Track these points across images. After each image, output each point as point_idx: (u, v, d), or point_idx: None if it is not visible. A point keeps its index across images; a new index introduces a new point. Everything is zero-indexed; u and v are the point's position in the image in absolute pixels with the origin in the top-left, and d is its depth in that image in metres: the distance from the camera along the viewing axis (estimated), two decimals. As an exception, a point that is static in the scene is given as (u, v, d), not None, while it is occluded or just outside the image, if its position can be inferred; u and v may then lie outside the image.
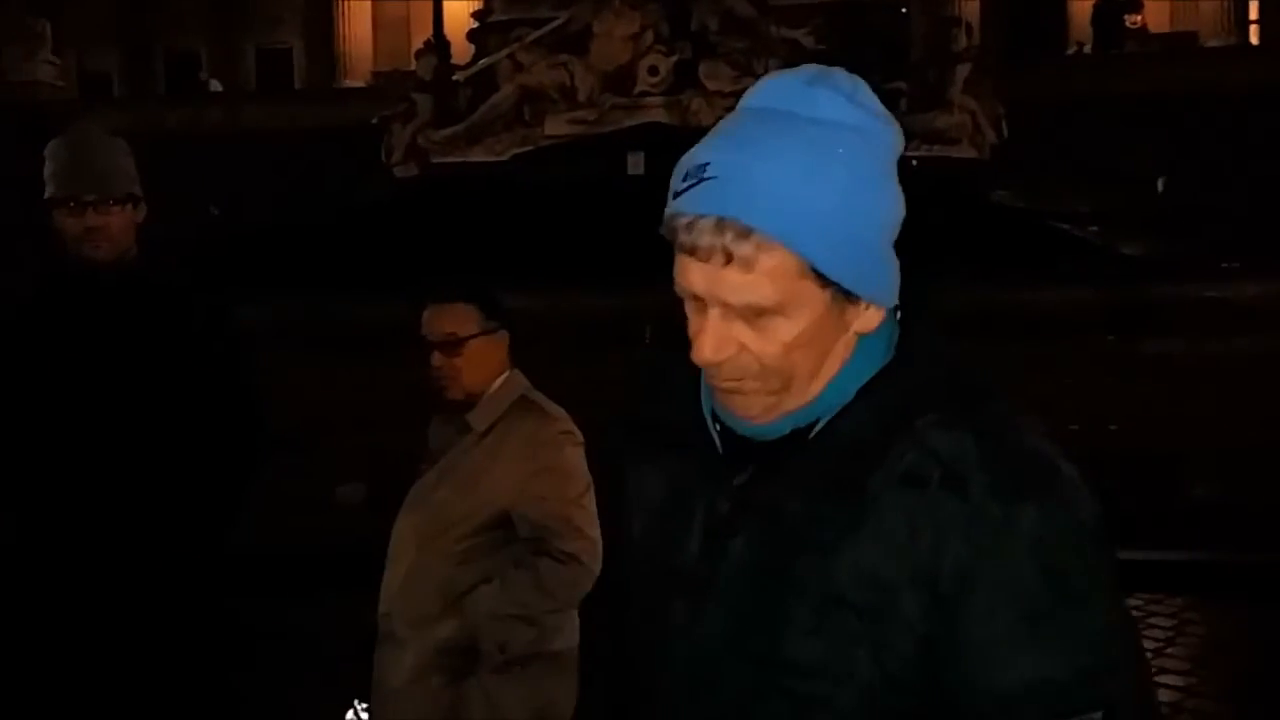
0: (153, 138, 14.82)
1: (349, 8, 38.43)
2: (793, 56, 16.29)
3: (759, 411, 1.38)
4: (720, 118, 1.38)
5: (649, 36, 17.13)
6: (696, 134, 1.37)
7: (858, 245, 1.32)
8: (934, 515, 1.30)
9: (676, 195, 1.32)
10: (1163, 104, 23.05)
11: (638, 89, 16.97)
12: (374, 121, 19.26)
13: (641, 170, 14.36)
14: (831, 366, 1.38)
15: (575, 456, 3.15)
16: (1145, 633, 5.32)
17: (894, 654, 1.32)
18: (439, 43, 19.45)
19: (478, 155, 17.54)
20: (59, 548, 3.04)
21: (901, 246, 1.39)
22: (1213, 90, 23.64)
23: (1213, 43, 30.48)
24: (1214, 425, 7.88)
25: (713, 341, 1.33)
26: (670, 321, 1.45)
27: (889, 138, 1.36)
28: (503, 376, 3.18)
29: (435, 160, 17.85)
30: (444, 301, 3.13)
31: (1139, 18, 30.32)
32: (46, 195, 3.11)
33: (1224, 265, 13.12)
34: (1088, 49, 30.38)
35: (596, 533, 3.06)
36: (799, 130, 1.31)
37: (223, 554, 3.22)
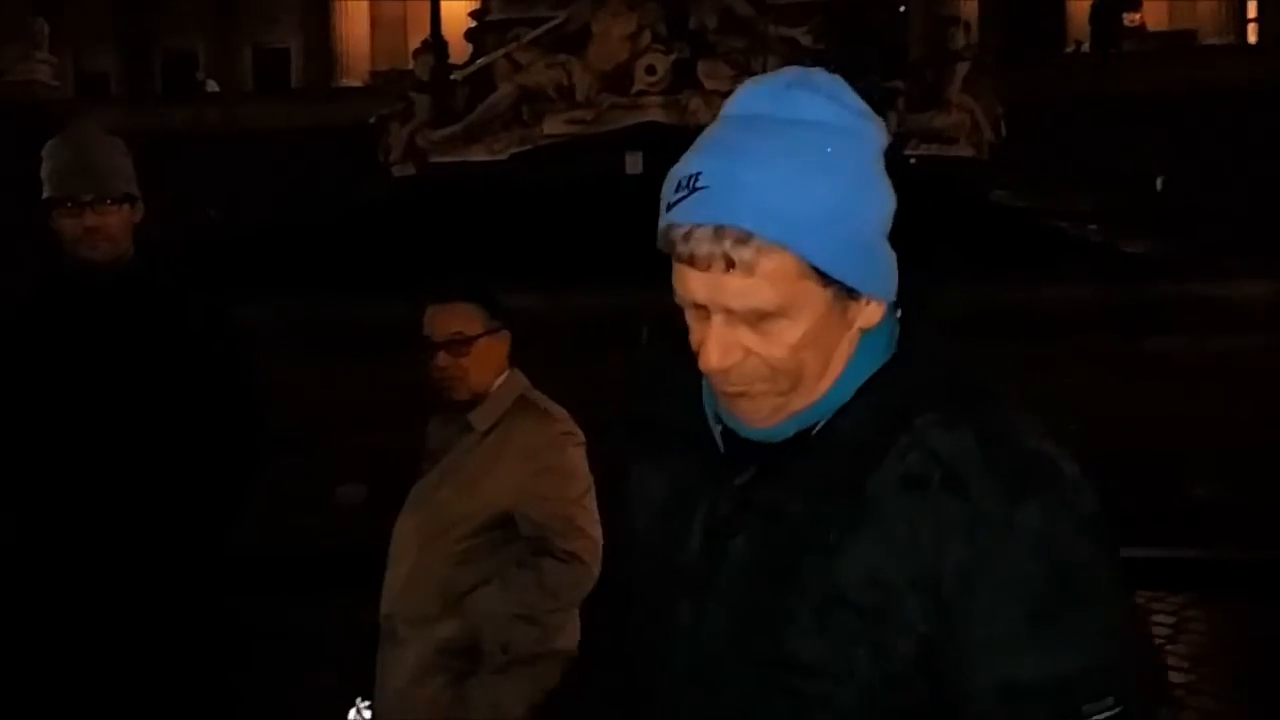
0: (150, 137, 14.83)
1: (346, 7, 38.42)
2: (791, 55, 16.31)
3: (767, 414, 1.38)
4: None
5: (647, 36, 17.14)
6: (695, 133, 1.37)
7: (854, 242, 1.33)
8: (935, 516, 1.31)
9: (670, 207, 1.32)
10: (1161, 102, 23.07)
11: (636, 88, 16.97)
12: (372, 121, 19.26)
13: (640, 170, 14.36)
14: (837, 365, 1.39)
15: (577, 456, 3.15)
16: (1146, 631, 5.32)
17: (895, 654, 1.32)
18: (436, 42, 19.45)
19: (476, 155, 17.54)
20: (59, 548, 3.04)
21: (901, 246, 1.40)
22: (1211, 89, 23.67)
23: (1211, 41, 30.50)
24: (1215, 424, 7.89)
25: (718, 349, 1.34)
26: (668, 322, 1.45)
27: (873, 134, 1.37)
28: (503, 376, 3.18)
29: (433, 160, 17.86)
30: (448, 301, 3.12)
31: (1137, 16, 30.36)
32: (44, 195, 3.10)
33: (1224, 264, 13.12)
34: (1086, 48, 30.39)
35: (598, 532, 3.06)
36: (784, 133, 1.32)
37: (223, 554, 3.22)
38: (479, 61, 18.38)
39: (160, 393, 3.08)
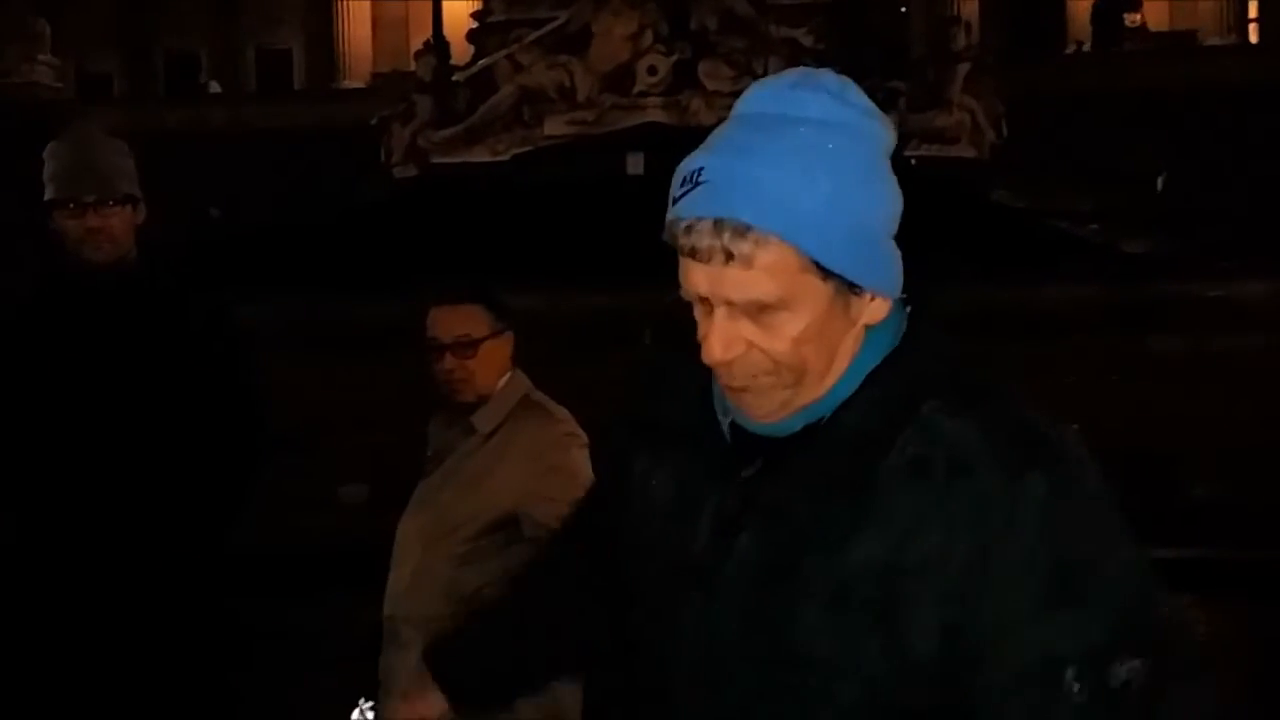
0: (153, 138, 14.83)
1: (348, 8, 38.40)
2: (792, 56, 16.31)
3: (773, 409, 1.39)
4: (720, 117, 1.42)
5: (648, 36, 17.14)
6: (696, 134, 1.40)
7: (855, 236, 1.34)
8: (942, 502, 1.32)
9: (675, 202, 1.35)
10: (1162, 102, 23.06)
11: (637, 89, 16.97)
12: (373, 122, 19.26)
13: (641, 170, 14.36)
14: (842, 360, 1.40)
15: (581, 458, 3.15)
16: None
17: (907, 646, 1.32)
18: (438, 43, 19.45)
19: (477, 156, 17.54)
20: (59, 548, 3.04)
21: (902, 246, 1.40)
22: (1212, 88, 23.65)
23: (1212, 41, 30.47)
24: (1215, 424, 7.88)
25: (721, 341, 1.36)
26: (670, 322, 1.46)
27: (879, 133, 1.39)
28: (506, 377, 3.18)
29: (435, 161, 17.85)
30: (453, 303, 3.11)
31: (1138, 16, 30.33)
32: (47, 197, 3.10)
33: (1224, 264, 13.11)
34: (1087, 47, 30.36)
35: None
36: (788, 130, 1.34)
37: (223, 554, 3.22)
38: (481, 62, 18.39)
39: (161, 393, 3.08)
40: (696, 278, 1.35)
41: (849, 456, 1.37)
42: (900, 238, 1.40)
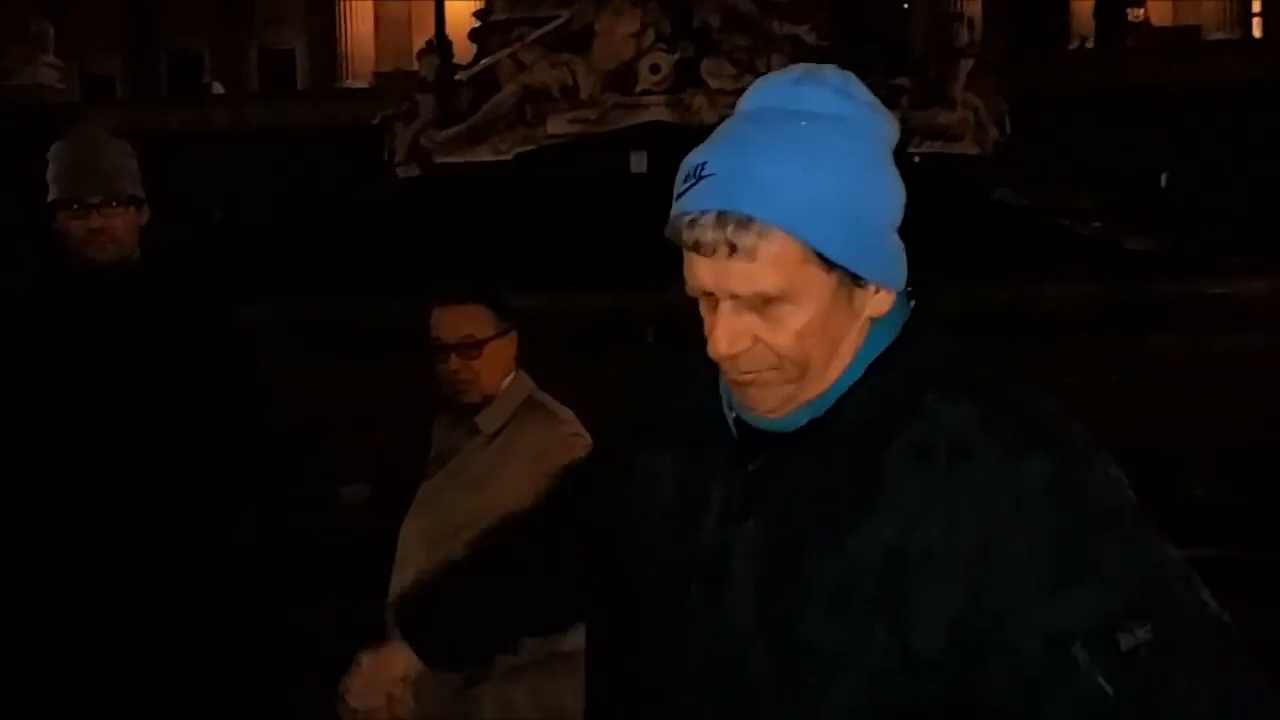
0: (156, 139, 14.84)
1: (351, 8, 38.43)
2: (795, 53, 16.30)
3: (778, 403, 1.40)
4: (723, 115, 1.44)
5: (650, 34, 17.14)
6: (699, 132, 1.41)
7: (858, 229, 1.35)
8: (945, 489, 1.32)
9: (679, 197, 1.36)
10: (1165, 99, 23.06)
11: (640, 87, 16.97)
12: (376, 122, 19.26)
13: (644, 169, 14.36)
14: (846, 354, 1.41)
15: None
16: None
17: (910, 637, 1.33)
18: (441, 43, 19.44)
19: (480, 155, 17.55)
20: (59, 548, 3.04)
21: (904, 242, 1.41)
22: (1216, 85, 23.63)
23: (1215, 37, 30.44)
24: (1215, 424, 7.87)
25: (726, 334, 1.36)
26: (672, 322, 1.46)
27: (882, 127, 1.40)
28: (510, 378, 3.18)
29: (438, 160, 17.86)
30: (458, 303, 3.11)
31: (1141, 12, 30.35)
32: (50, 197, 3.10)
33: (1226, 262, 13.10)
34: (1090, 44, 30.36)
35: None
36: (790, 124, 1.35)
37: (223, 554, 3.22)
38: (483, 62, 18.38)
39: (162, 393, 3.09)
40: (701, 272, 1.36)
41: (852, 446, 1.38)
42: (902, 235, 1.41)
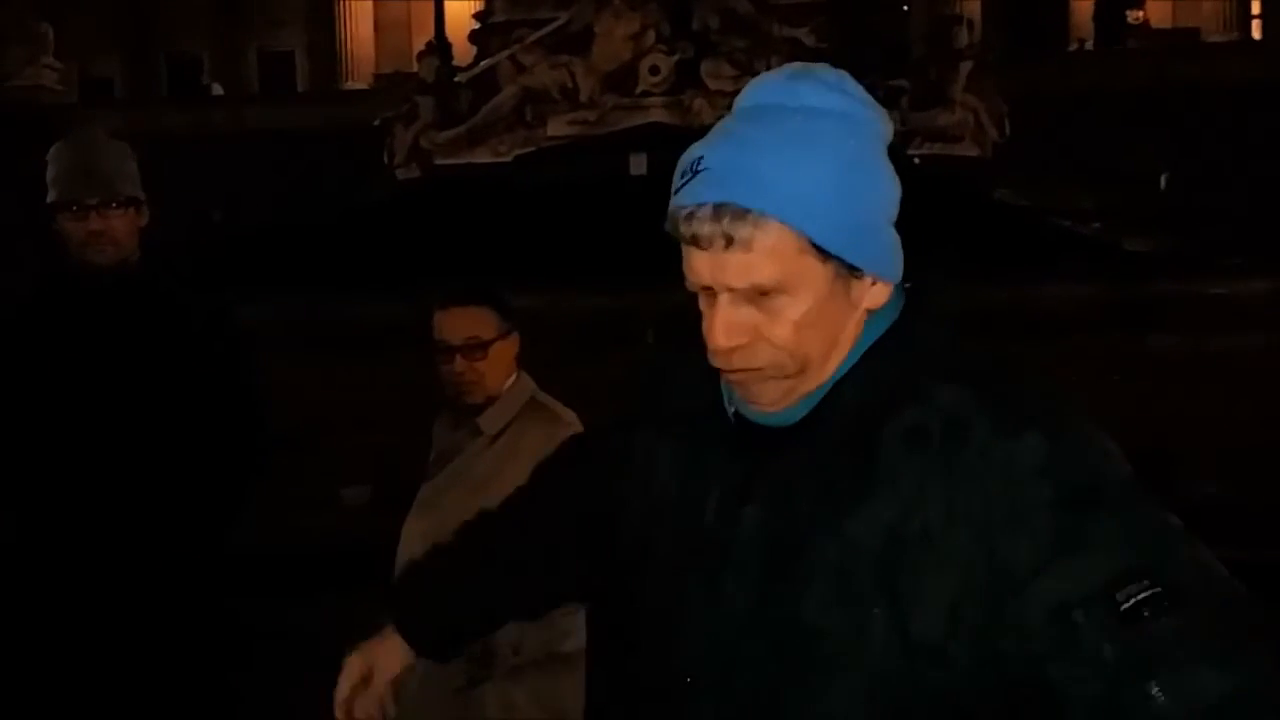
0: (155, 141, 14.84)
1: (351, 10, 38.44)
2: (794, 55, 16.29)
3: (775, 398, 1.41)
4: (722, 117, 1.44)
5: (650, 36, 17.13)
6: (698, 133, 1.42)
7: (854, 220, 1.36)
8: (941, 470, 1.33)
9: (676, 192, 1.38)
10: (1165, 100, 23.04)
11: (639, 89, 16.97)
12: (376, 123, 19.26)
13: (644, 170, 14.35)
14: (844, 346, 1.42)
15: None
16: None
17: (913, 615, 1.33)
18: (440, 44, 19.45)
19: (480, 157, 17.55)
20: (59, 548, 3.05)
21: (904, 242, 1.41)
22: (1215, 86, 23.62)
23: (1214, 38, 30.45)
24: (1215, 424, 7.86)
25: (724, 327, 1.37)
26: (672, 322, 1.47)
27: (876, 123, 1.41)
28: (512, 378, 3.18)
29: (438, 162, 17.86)
30: (462, 304, 3.12)
31: (1140, 13, 30.36)
32: (49, 199, 3.10)
33: (1226, 262, 13.10)
34: (1089, 45, 30.36)
35: None
36: (785, 118, 1.36)
37: (223, 554, 3.22)
38: (483, 63, 18.39)
39: (162, 394, 3.09)
40: (699, 265, 1.37)
41: (848, 431, 1.38)
42: (903, 234, 1.42)
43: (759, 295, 1.36)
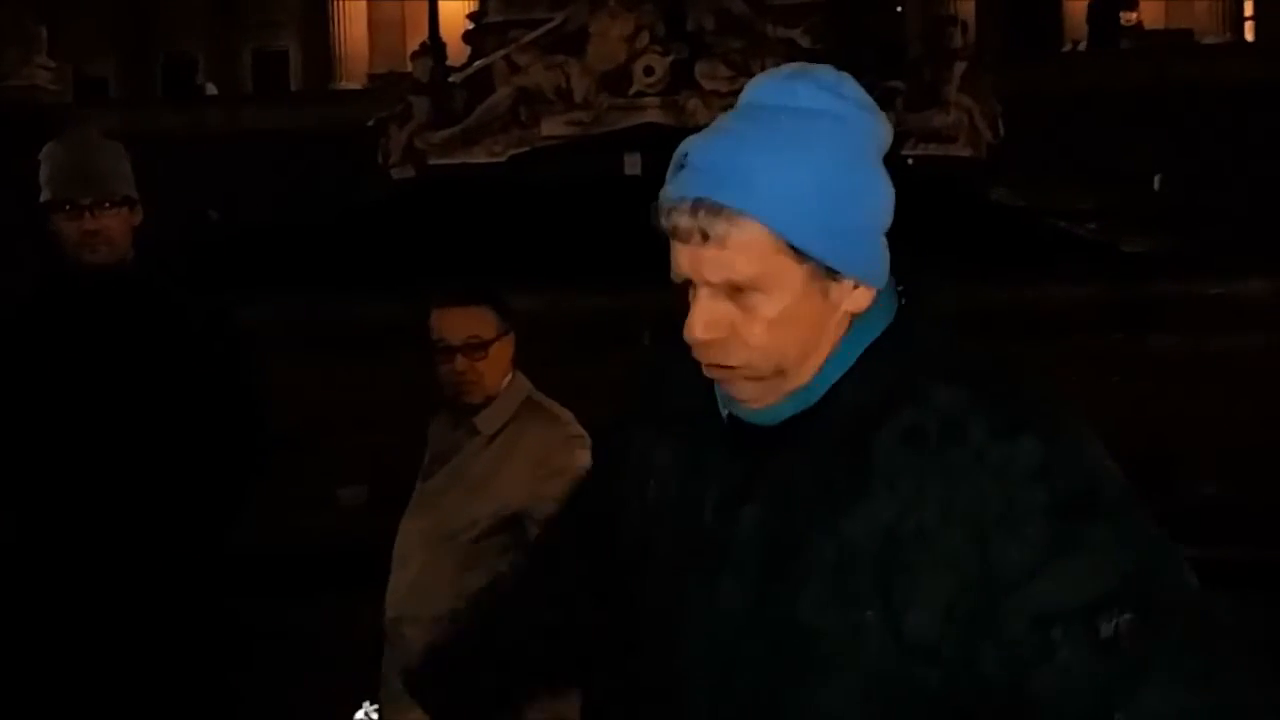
0: (150, 140, 14.83)
1: (345, 10, 38.41)
2: (789, 56, 16.28)
3: (756, 395, 1.41)
4: (717, 117, 1.44)
5: (645, 37, 17.15)
6: (693, 134, 1.41)
7: (834, 221, 1.35)
8: (937, 470, 1.33)
9: (665, 186, 1.39)
10: (1159, 101, 23.07)
11: (634, 89, 16.99)
12: (371, 124, 19.26)
13: (638, 171, 14.38)
14: (824, 347, 1.41)
15: (584, 459, 3.15)
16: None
17: (908, 615, 1.33)
18: (435, 44, 19.45)
19: (475, 157, 17.56)
20: (59, 548, 3.04)
21: (900, 244, 1.41)
22: (1209, 87, 23.65)
23: (1208, 40, 30.50)
24: (1215, 424, 7.87)
25: (701, 320, 1.38)
26: (669, 323, 1.46)
27: (872, 126, 1.40)
28: (508, 378, 3.18)
29: (432, 162, 17.86)
30: (461, 304, 3.12)
31: (1134, 15, 30.35)
32: (43, 199, 3.10)
33: (1223, 263, 13.11)
34: (1083, 46, 30.37)
35: None
36: (775, 118, 1.37)
37: (223, 554, 3.22)
38: (477, 63, 18.40)
39: (160, 394, 3.08)
40: (680, 258, 1.38)
41: (845, 431, 1.38)
42: (898, 236, 1.41)
43: (735, 291, 1.36)
